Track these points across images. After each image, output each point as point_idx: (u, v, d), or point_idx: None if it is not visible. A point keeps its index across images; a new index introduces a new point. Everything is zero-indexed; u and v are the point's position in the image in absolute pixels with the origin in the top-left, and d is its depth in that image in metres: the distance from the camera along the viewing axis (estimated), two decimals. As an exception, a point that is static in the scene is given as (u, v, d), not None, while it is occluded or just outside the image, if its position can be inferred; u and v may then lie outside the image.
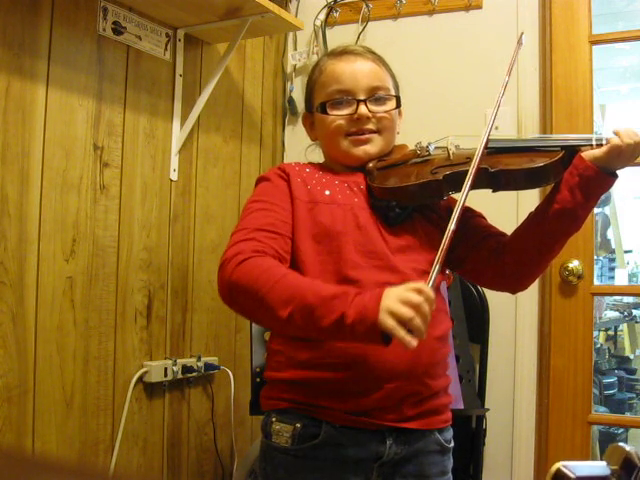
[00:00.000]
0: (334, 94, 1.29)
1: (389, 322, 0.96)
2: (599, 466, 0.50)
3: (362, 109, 1.27)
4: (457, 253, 1.29)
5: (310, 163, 1.36)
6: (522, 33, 1.33)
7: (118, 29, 1.82)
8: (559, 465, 0.50)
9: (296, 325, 1.04)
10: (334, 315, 1.00)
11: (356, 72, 1.29)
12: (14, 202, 1.54)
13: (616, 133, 1.14)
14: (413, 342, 0.96)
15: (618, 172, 1.17)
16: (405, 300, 0.97)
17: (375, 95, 1.29)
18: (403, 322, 0.96)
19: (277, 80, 2.52)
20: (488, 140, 1.18)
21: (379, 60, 1.33)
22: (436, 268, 1.02)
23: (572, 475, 0.49)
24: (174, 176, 2.02)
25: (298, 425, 1.18)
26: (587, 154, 1.15)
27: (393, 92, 1.33)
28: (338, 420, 1.17)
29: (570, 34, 2.14)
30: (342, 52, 1.33)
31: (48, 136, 1.62)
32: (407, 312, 0.96)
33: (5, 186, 1.52)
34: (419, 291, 0.98)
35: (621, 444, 0.50)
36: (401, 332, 0.95)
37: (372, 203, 1.24)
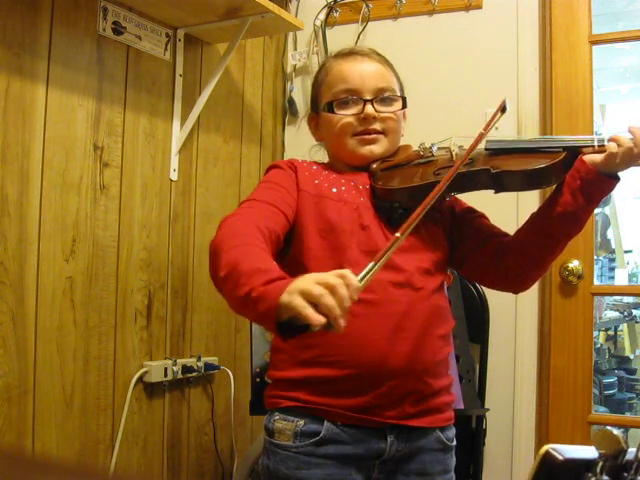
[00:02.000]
0: (341, 94, 1.30)
1: (295, 300, 0.86)
2: (588, 450, 0.50)
3: (369, 109, 1.27)
4: (459, 253, 1.30)
5: (315, 162, 1.36)
6: (505, 99, 1.17)
7: (118, 29, 1.82)
8: (548, 447, 0.50)
9: (226, 289, 1.01)
10: (247, 287, 0.94)
11: (363, 72, 1.30)
12: (14, 202, 1.54)
13: (614, 139, 1.13)
14: (322, 319, 0.85)
15: (620, 174, 1.16)
16: (320, 281, 0.87)
17: (381, 95, 1.30)
18: (313, 301, 0.86)
19: (277, 80, 2.52)
20: (470, 150, 1.16)
21: (385, 62, 1.34)
22: (371, 266, 0.92)
23: (560, 457, 0.49)
24: (174, 176, 2.02)
25: (300, 423, 1.18)
26: (588, 159, 1.15)
27: (399, 93, 1.34)
28: (339, 418, 1.18)
29: (570, 34, 2.14)
30: (349, 53, 1.34)
31: (48, 136, 1.62)
32: (318, 289, 0.86)
33: (5, 186, 1.52)
34: (341, 275, 0.88)
35: (609, 428, 0.49)
36: (308, 310, 0.85)
37: (375, 204, 1.24)
